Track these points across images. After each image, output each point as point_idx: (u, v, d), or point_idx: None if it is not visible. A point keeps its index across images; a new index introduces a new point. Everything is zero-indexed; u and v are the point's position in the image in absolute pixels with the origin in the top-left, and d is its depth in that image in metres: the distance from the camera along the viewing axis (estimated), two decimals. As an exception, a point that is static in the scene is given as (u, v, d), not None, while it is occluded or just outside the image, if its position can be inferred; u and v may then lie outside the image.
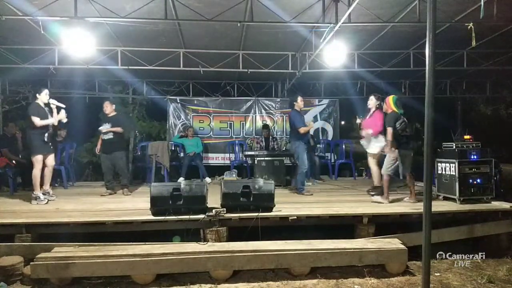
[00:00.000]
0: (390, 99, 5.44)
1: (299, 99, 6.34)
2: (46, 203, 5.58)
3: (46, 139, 5.60)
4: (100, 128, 6.49)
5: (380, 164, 5.82)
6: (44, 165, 5.66)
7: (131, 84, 10.44)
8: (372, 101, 6.00)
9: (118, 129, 6.46)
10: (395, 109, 5.34)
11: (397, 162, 5.32)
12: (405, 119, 5.28)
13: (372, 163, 6.17)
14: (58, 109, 5.74)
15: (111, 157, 6.47)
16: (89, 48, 5.65)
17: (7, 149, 7.17)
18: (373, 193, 6.00)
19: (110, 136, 6.41)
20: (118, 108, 7.28)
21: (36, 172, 5.54)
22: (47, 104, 5.68)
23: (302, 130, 6.11)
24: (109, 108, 6.58)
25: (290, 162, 9.28)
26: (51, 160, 5.76)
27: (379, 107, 5.92)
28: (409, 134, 5.32)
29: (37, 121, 5.44)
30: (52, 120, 5.62)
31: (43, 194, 5.68)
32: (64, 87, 9.78)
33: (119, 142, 6.57)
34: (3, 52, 7.22)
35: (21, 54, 7.37)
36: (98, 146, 6.59)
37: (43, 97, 5.63)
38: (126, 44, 7.26)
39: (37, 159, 5.53)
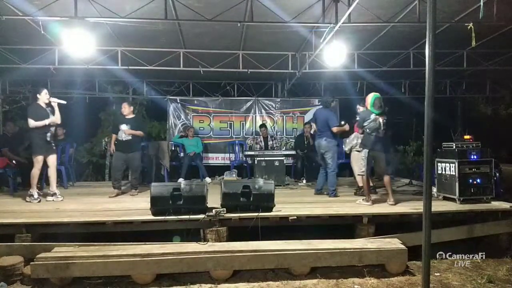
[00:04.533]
0: (369, 97, 5.39)
1: (333, 100, 6.35)
2: (39, 201, 5.63)
3: (48, 139, 5.66)
4: (122, 127, 6.35)
5: None
6: (46, 166, 5.72)
7: (131, 84, 10.44)
8: (359, 109, 6.30)
9: (140, 133, 6.50)
10: (369, 108, 5.30)
11: (365, 161, 5.31)
12: (380, 120, 5.19)
13: (351, 160, 6.37)
14: (60, 106, 5.77)
15: (126, 157, 6.40)
16: (89, 48, 5.66)
17: (7, 149, 7.17)
18: (359, 193, 6.16)
19: (129, 137, 6.36)
20: (119, 107, 7.28)
21: (35, 172, 5.60)
22: (49, 104, 5.70)
23: (335, 129, 6.05)
24: (127, 110, 6.51)
25: (291, 162, 9.31)
26: (53, 160, 5.77)
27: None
28: (381, 136, 5.23)
29: (31, 123, 5.50)
30: (49, 121, 5.62)
31: (52, 194, 5.79)
32: (64, 87, 9.79)
33: (136, 143, 6.54)
34: (3, 52, 7.22)
35: (21, 54, 7.37)
36: (112, 146, 6.48)
37: (43, 97, 5.66)
38: (126, 44, 7.26)
39: (38, 159, 5.57)
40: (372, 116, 5.24)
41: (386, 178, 5.35)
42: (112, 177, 6.68)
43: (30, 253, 4.04)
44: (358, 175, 5.43)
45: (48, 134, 5.66)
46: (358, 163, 5.53)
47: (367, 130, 5.29)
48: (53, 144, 5.77)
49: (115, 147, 6.48)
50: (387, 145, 5.42)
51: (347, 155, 9.10)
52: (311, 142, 8.67)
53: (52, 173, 5.79)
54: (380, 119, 5.21)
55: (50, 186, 5.83)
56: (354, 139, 6.24)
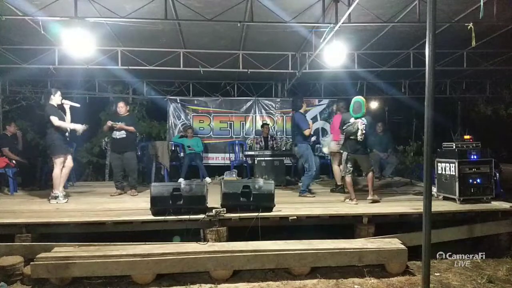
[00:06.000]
0: (352, 100, 5.45)
1: (304, 102, 6.52)
2: (66, 201, 5.61)
3: (67, 139, 5.72)
4: (114, 124, 6.30)
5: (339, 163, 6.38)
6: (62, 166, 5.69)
7: (131, 84, 10.44)
8: (334, 108, 6.84)
9: (132, 128, 6.41)
10: (350, 111, 5.39)
11: (346, 163, 5.47)
12: (358, 124, 5.21)
13: (332, 162, 6.67)
14: (71, 108, 5.78)
15: (122, 157, 6.39)
16: (89, 48, 5.65)
17: (7, 149, 7.17)
18: (337, 190, 6.56)
19: (123, 135, 6.33)
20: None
21: (57, 172, 5.58)
22: (61, 105, 5.73)
23: (307, 132, 6.10)
24: (124, 109, 6.49)
25: (291, 162, 9.31)
26: (70, 160, 5.77)
27: (338, 111, 6.74)
28: (359, 140, 5.26)
29: (55, 120, 5.47)
30: (67, 125, 5.64)
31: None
32: (64, 87, 9.77)
33: (131, 142, 6.50)
34: (3, 52, 7.22)
35: (21, 54, 7.37)
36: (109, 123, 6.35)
37: (57, 98, 5.69)
38: (126, 44, 7.26)
39: (60, 160, 5.58)
40: (352, 120, 5.33)
41: (370, 174, 5.51)
42: (114, 178, 6.68)
43: (30, 253, 4.04)
44: (345, 175, 5.55)
45: (67, 134, 5.72)
46: (342, 164, 5.67)
47: (346, 134, 5.42)
48: (70, 144, 5.84)
49: (111, 146, 6.46)
50: (368, 147, 5.58)
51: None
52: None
53: (65, 174, 5.78)
54: (359, 123, 5.22)
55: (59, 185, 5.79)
56: (332, 142, 6.54)
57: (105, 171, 10.21)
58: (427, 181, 2.79)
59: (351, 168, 5.50)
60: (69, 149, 5.82)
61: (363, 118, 5.28)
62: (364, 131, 5.23)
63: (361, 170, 6.14)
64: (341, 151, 6.15)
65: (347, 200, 5.54)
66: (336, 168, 6.60)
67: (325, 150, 6.89)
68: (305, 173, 6.23)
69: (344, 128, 5.40)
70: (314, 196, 6.17)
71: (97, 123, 10.24)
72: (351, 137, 5.33)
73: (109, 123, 6.34)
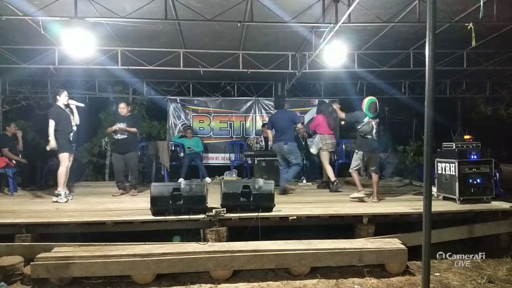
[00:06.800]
0: (365, 100, 5.57)
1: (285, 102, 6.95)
2: (66, 201, 5.62)
3: (71, 139, 5.75)
4: (118, 125, 6.32)
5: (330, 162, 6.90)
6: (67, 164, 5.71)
7: (131, 84, 10.45)
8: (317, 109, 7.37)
9: (134, 130, 6.43)
10: (365, 111, 5.50)
11: (360, 161, 5.58)
12: (372, 123, 5.41)
13: (323, 162, 6.81)
14: (78, 108, 5.83)
15: (124, 157, 6.41)
16: (89, 48, 5.65)
17: (7, 149, 7.18)
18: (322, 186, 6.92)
19: (125, 135, 6.36)
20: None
21: (62, 170, 5.61)
22: (67, 106, 5.77)
23: (300, 126, 6.55)
24: (125, 110, 6.51)
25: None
26: (70, 160, 5.81)
27: (320, 112, 7.05)
28: (375, 138, 5.49)
29: (51, 125, 5.53)
30: (51, 135, 5.59)
31: (57, 195, 5.69)
32: (64, 87, 9.67)
33: (133, 142, 6.54)
34: (3, 52, 7.22)
35: (21, 54, 7.37)
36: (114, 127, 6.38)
37: (62, 99, 5.74)
38: (126, 44, 7.26)
39: (64, 156, 5.62)
40: (366, 119, 5.44)
41: (375, 177, 5.63)
42: (115, 179, 6.68)
43: (30, 253, 4.03)
44: (353, 172, 5.66)
45: (71, 134, 5.75)
46: (352, 161, 5.74)
47: (361, 133, 5.50)
48: (73, 145, 5.86)
49: (113, 147, 6.50)
50: (380, 146, 5.75)
51: (348, 155, 9.18)
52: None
53: (67, 173, 5.79)
54: (373, 123, 5.43)
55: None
56: (320, 142, 6.69)
57: (105, 171, 10.22)
58: (427, 181, 2.79)
59: (359, 167, 5.68)
60: (72, 149, 5.84)
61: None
62: (377, 130, 5.47)
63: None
64: (330, 151, 6.66)
65: (355, 193, 5.58)
66: (328, 167, 6.69)
67: (313, 150, 6.92)
68: (294, 166, 6.37)
69: (359, 127, 5.49)
70: (295, 189, 6.50)
71: (97, 123, 10.26)
72: (367, 136, 5.45)
73: (116, 126, 6.33)
